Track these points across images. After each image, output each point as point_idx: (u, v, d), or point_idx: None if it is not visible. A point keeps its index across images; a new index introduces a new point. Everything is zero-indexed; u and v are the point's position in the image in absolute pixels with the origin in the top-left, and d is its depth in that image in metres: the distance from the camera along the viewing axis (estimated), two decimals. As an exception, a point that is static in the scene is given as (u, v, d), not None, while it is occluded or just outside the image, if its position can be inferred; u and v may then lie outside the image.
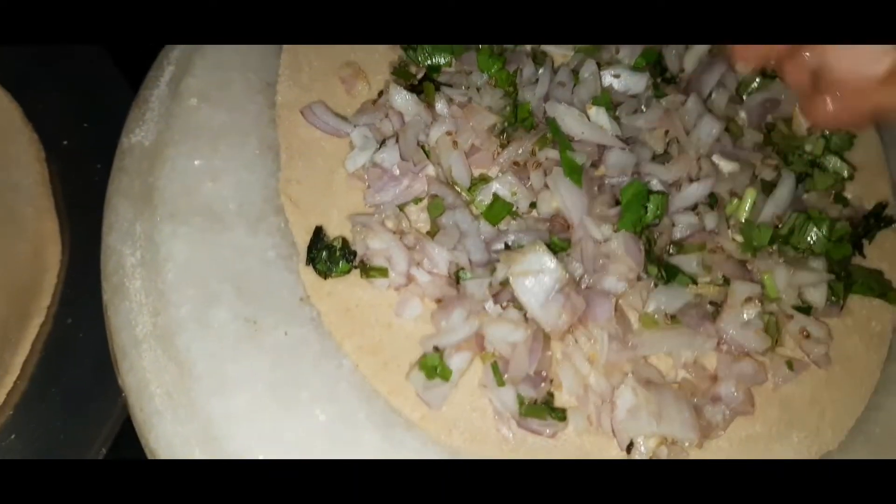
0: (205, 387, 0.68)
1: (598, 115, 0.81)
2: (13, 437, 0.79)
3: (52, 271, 0.87)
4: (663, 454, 0.71)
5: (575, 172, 0.77)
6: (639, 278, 0.76)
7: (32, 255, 0.87)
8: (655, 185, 0.79)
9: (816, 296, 0.79)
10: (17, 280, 0.86)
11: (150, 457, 0.69)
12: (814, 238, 0.81)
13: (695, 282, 0.77)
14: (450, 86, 0.83)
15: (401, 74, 0.84)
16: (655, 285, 0.76)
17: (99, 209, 0.81)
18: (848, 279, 0.81)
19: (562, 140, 0.79)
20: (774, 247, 0.80)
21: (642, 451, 0.71)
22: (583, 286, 0.75)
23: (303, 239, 0.75)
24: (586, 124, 0.80)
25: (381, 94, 0.83)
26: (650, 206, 0.76)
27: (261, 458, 0.67)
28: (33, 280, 0.86)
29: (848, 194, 0.88)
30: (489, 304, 0.72)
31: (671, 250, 0.79)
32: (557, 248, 0.75)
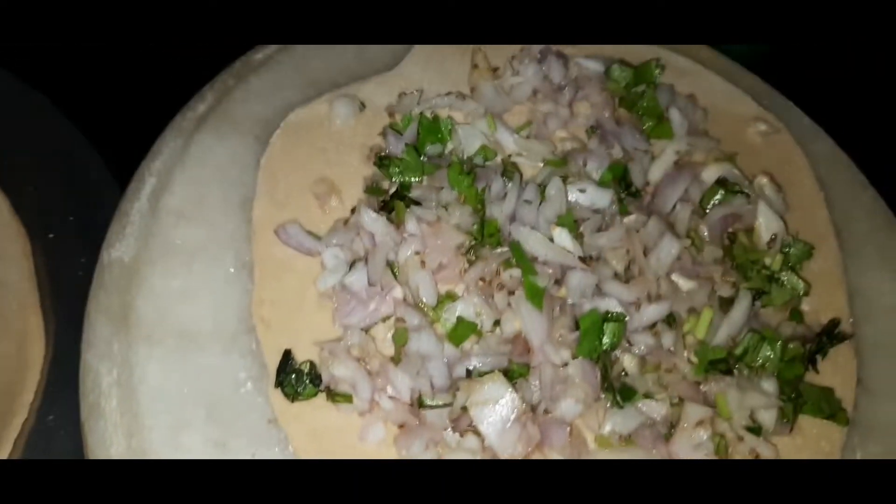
0: (175, 511, 0.71)
1: (562, 236, 0.84)
2: (-6, 537, 0.82)
3: (35, 368, 0.89)
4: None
5: (536, 297, 0.80)
6: (596, 399, 0.79)
7: (16, 352, 0.89)
8: (614, 305, 0.82)
9: (767, 418, 0.82)
10: (1, 378, 0.88)
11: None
12: (767, 358, 0.84)
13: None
14: (419, 203, 0.86)
15: (373, 192, 0.87)
16: (611, 407, 0.79)
17: (83, 303, 0.84)
18: (798, 399, 0.84)
19: (525, 265, 0.82)
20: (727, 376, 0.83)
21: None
22: (541, 409, 0.78)
23: (273, 360, 0.78)
24: (550, 246, 0.83)
25: (353, 210, 0.86)
26: (606, 334, 0.79)
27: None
28: (17, 377, 0.88)
29: (805, 306, 0.91)
30: (448, 434, 0.75)
31: (626, 372, 0.82)
32: (516, 374, 0.78)
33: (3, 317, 0.91)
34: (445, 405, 0.75)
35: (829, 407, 0.85)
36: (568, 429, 0.76)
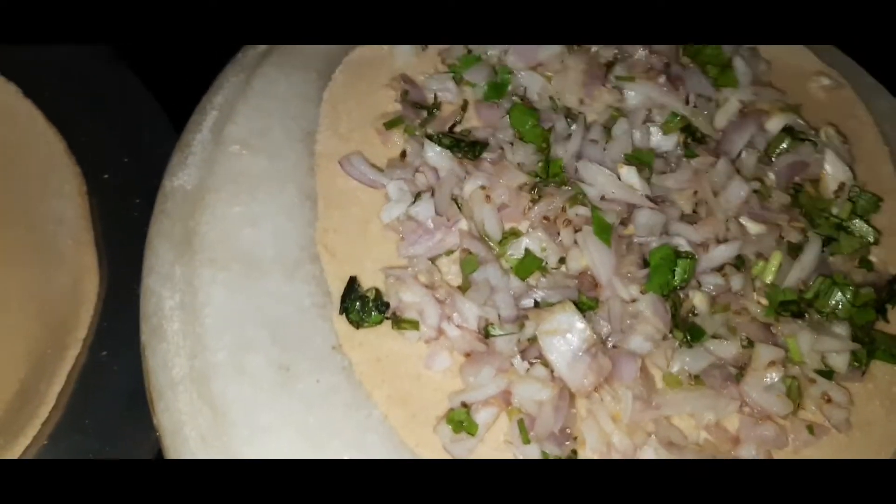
0: (239, 432, 0.70)
1: (630, 174, 0.83)
2: (47, 467, 0.81)
3: (89, 304, 0.89)
4: (683, 516, 0.72)
5: (604, 232, 0.79)
6: (664, 338, 0.77)
7: (71, 288, 0.89)
8: (683, 245, 0.81)
9: (839, 361, 0.79)
10: (56, 311, 0.88)
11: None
12: (838, 303, 0.82)
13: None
14: (485, 143, 0.85)
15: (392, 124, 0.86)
16: (680, 346, 0.77)
17: (137, 243, 0.84)
18: (871, 345, 0.82)
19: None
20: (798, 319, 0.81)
21: (662, 512, 0.72)
22: (609, 345, 0.76)
23: (337, 288, 0.77)
24: (617, 184, 0.82)
25: (403, 153, 0.85)
26: (678, 270, 0.78)
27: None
28: (71, 312, 0.88)
29: (873, 258, 0.89)
30: (517, 361, 0.73)
31: (695, 312, 0.80)
32: (585, 306, 0.77)
33: (58, 252, 0.91)
34: (514, 333, 0.74)
35: (902, 353, 0.83)
36: (639, 361, 0.74)
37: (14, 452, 0.79)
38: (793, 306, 0.81)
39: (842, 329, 0.80)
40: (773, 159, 0.91)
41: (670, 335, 0.78)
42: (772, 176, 0.90)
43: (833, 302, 0.82)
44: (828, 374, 0.79)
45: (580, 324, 0.72)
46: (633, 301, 0.77)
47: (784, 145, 0.91)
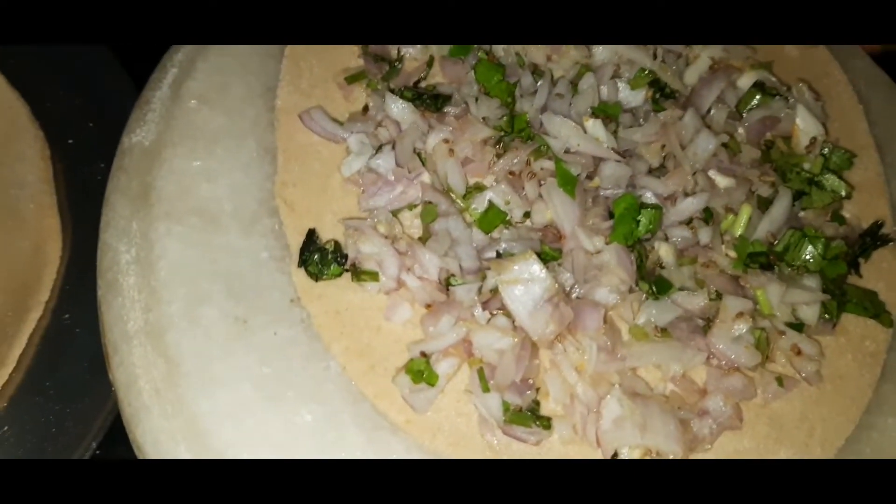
0: (192, 383, 0.69)
1: (595, 127, 0.81)
2: (6, 428, 0.80)
3: (51, 267, 0.89)
4: (648, 466, 0.71)
5: (569, 183, 0.77)
6: (630, 290, 0.76)
7: (33, 251, 0.88)
8: (650, 198, 0.80)
9: (809, 313, 0.78)
10: (17, 275, 0.87)
11: (136, 451, 0.70)
12: (809, 256, 0.80)
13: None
14: (448, 96, 0.83)
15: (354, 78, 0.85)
16: (647, 298, 0.76)
17: (101, 206, 0.83)
18: (842, 297, 0.80)
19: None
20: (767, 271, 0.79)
21: (627, 463, 0.71)
22: (573, 296, 0.75)
23: (296, 241, 0.75)
24: (582, 136, 0.81)
25: (366, 108, 0.84)
26: (642, 220, 0.76)
27: (245, 456, 0.67)
28: (33, 275, 0.87)
29: (845, 213, 0.88)
30: (478, 311, 0.72)
31: (662, 265, 0.78)
32: (548, 257, 0.75)
33: (20, 216, 0.90)
34: (474, 283, 0.73)
35: (873, 307, 0.81)
36: (602, 311, 0.73)
37: (-28, 414, 0.78)
38: (762, 258, 0.80)
39: (812, 282, 0.79)
40: (744, 115, 0.90)
41: (636, 287, 0.76)
42: (741, 131, 0.89)
43: (804, 255, 0.80)
44: (798, 326, 0.78)
45: (541, 272, 0.71)
46: (598, 253, 0.76)
47: (755, 101, 0.90)
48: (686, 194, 0.81)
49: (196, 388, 0.69)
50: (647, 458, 0.71)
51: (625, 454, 0.71)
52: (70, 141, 0.96)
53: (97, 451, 0.82)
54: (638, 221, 0.76)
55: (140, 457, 0.70)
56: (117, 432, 0.77)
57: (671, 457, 0.71)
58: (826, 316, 0.79)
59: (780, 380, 0.76)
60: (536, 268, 0.71)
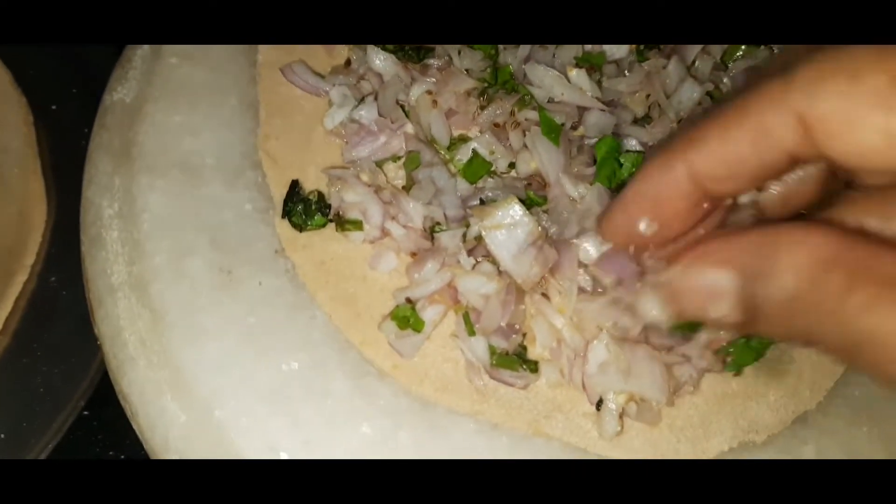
0: (177, 334, 0.69)
1: (579, 76, 0.81)
2: (-6, 390, 0.81)
3: (37, 231, 0.89)
4: (632, 411, 0.71)
5: (553, 132, 0.77)
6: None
7: (18, 216, 0.89)
8: (634, 145, 0.79)
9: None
10: (2, 239, 0.87)
11: (123, 402, 0.70)
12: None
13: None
14: (431, 48, 0.83)
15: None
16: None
17: (85, 171, 0.82)
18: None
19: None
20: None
21: (611, 408, 0.70)
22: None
23: (279, 193, 0.75)
24: (566, 85, 0.80)
25: (348, 61, 0.83)
26: (625, 163, 0.76)
27: (231, 405, 0.67)
28: (18, 239, 0.88)
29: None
30: (463, 257, 0.72)
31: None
32: (533, 202, 0.75)
33: (5, 181, 0.90)
34: (459, 229, 0.72)
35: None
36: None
37: (-43, 377, 0.79)
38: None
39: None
40: (729, 65, 0.89)
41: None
42: (727, 81, 0.88)
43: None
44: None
45: (525, 217, 0.71)
46: (582, 198, 0.75)
47: (740, 52, 0.90)
48: (671, 142, 0.81)
49: (182, 339, 0.68)
50: (632, 403, 0.71)
51: (610, 399, 0.70)
52: (53, 107, 0.96)
53: (84, 412, 0.82)
54: (621, 164, 0.76)
55: (126, 407, 0.70)
56: (105, 390, 0.77)
57: (654, 404, 0.71)
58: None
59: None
60: (519, 211, 0.71)
